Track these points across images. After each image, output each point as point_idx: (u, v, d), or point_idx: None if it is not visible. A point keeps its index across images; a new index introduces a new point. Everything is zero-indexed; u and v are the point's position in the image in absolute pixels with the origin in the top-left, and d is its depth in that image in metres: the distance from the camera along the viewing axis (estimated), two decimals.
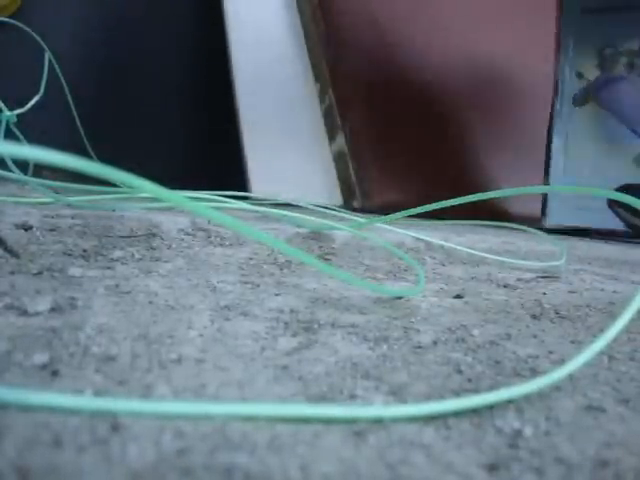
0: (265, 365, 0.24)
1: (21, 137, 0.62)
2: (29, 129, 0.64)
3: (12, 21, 0.75)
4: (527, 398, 0.23)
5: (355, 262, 0.52)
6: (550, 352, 0.30)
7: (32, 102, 0.63)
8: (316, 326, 0.30)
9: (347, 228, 0.55)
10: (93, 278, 0.36)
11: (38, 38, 0.72)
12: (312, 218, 0.56)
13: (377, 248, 0.54)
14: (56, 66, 0.75)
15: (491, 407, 0.22)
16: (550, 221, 1.18)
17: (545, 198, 1.22)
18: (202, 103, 1.21)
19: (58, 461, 0.15)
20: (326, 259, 0.51)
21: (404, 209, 0.51)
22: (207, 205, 0.54)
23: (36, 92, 0.65)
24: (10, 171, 0.56)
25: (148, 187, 0.21)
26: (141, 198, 0.58)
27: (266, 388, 0.22)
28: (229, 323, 0.29)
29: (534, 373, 0.26)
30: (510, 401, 0.22)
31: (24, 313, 0.27)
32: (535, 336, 0.33)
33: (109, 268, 0.39)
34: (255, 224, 0.57)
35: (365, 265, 0.51)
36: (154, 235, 0.47)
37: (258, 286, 0.39)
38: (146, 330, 0.27)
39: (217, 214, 0.24)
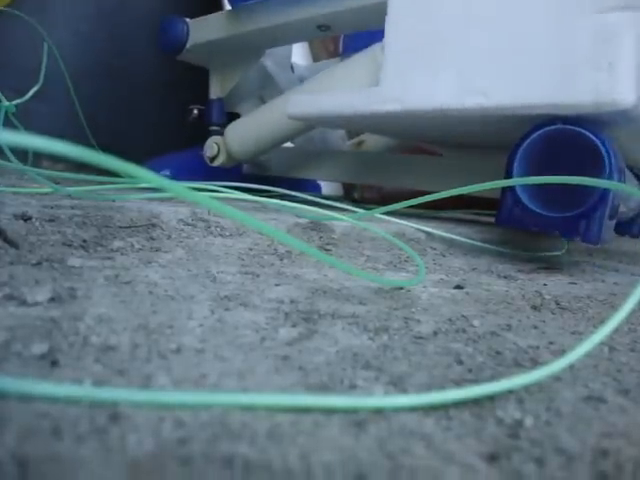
0: (265, 355, 0.24)
1: (20, 127, 0.62)
2: (29, 119, 0.63)
3: (12, 10, 0.74)
4: (528, 388, 0.23)
5: (355, 252, 0.52)
6: (551, 343, 0.30)
7: (32, 92, 0.63)
8: (316, 316, 0.30)
9: (347, 218, 0.54)
10: (93, 268, 0.35)
11: (38, 27, 0.71)
12: (312, 208, 0.56)
13: (377, 239, 0.54)
14: (57, 55, 0.74)
15: (492, 397, 0.22)
16: None
17: None
18: (203, 94, 1.20)
19: (57, 451, 0.15)
20: (326, 249, 0.51)
21: (404, 200, 0.51)
22: (208, 195, 0.54)
23: (36, 82, 0.64)
24: (9, 161, 0.56)
25: (149, 177, 0.21)
26: (141, 188, 0.58)
27: (266, 378, 0.22)
28: (229, 313, 0.29)
29: (535, 364, 0.26)
30: (511, 391, 0.22)
31: (23, 303, 0.27)
32: (536, 327, 0.33)
33: (109, 258, 0.39)
34: (255, 214, 0.57)
35: (365, 255, 0.51)
36: (154, 225, 0.47)
37: (258, 276, 0.39)
38: (146, 320, 0.27)
39: (217, 204, 0.23)
